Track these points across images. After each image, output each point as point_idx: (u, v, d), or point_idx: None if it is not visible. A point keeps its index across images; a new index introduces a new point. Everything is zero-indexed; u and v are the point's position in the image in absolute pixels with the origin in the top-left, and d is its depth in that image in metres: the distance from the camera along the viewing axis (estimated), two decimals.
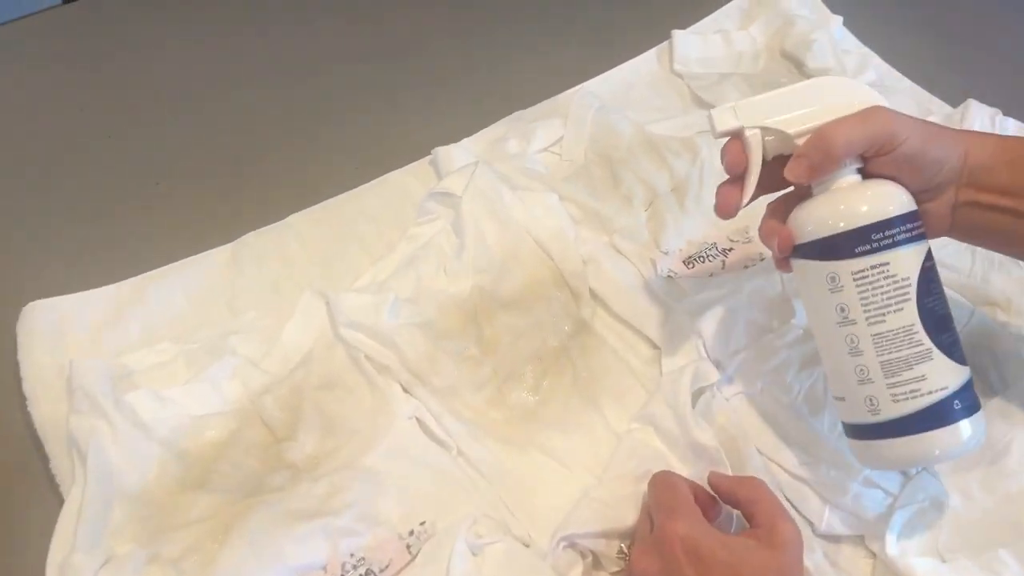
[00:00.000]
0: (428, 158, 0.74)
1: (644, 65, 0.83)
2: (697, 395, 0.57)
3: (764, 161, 0.49)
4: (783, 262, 0.51)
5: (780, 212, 0.51)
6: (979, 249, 0.65)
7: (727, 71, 0.81)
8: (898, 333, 0.46)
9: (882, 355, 0.46)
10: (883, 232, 0.46)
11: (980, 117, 0.72)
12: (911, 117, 0.49)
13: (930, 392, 0.46)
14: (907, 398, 0.46)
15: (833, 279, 0.47)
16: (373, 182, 0.73)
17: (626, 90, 0.80)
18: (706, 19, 0.86)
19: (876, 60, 0.82)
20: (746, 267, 0.66)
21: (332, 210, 0.70)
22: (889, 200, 0.47)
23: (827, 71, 0.78)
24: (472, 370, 0.59)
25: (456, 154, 0.72)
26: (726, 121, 0.49)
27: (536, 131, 0.75)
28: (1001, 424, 0.56)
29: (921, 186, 0.49)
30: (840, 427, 0.53)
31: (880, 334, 0.46)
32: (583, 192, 0.70)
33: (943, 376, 0.46)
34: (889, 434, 0.47)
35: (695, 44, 0.82)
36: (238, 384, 0.58)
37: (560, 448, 0.57)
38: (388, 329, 0.59)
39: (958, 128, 0.48)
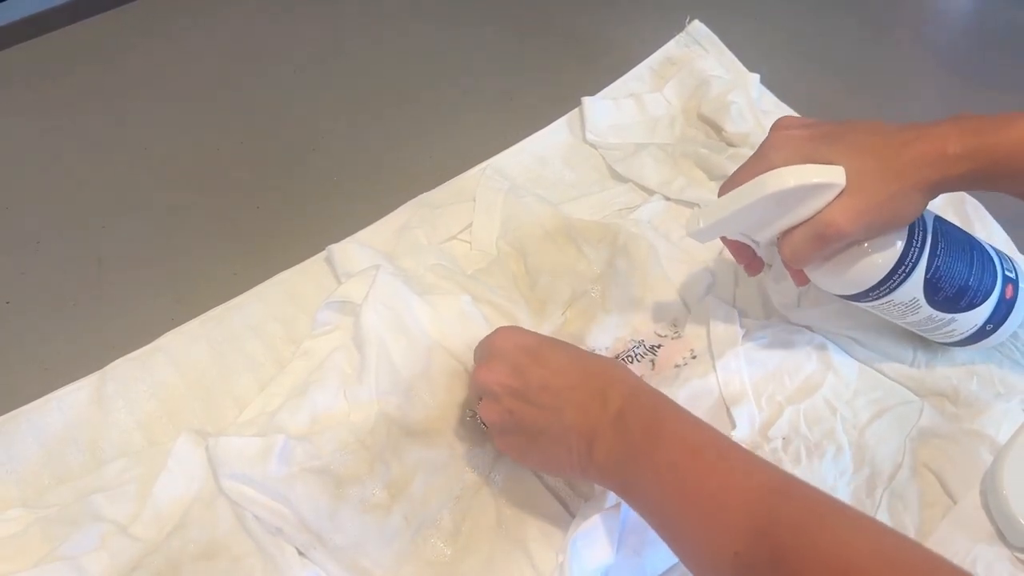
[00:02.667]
0: (322, 255, 0.66)
1: (555, 136, 0.76)
2: None
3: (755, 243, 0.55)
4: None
5: None
6: (919, 336, 0.60)
7: (642, 140, 0.75)
8: (921, 321, 0.55)
9: (917, 329, 0.56)
10: (876, 291, 0.51)
11: None
12: (861, 191, 0.47)
13: (963, 332, 0.55)
14: (951, 338, 0.56)
15: (854, 304, 0.55)
16: (258, 287, 0.64)
17: (538, 165, 0.74)
18: (616, 82, 0.80)
19: None
20: (677, 366, 0.60)
21: (211, 325, 0.62)
22: (870, 271, 0.50)
23: (747, 135, 0.73)
24: (380, 520, 0.51)
25: (354, 251, 0.64)
26: (706, 239, 0.54)
27: (442, 218, 0.68)
28: (962, 540, 0.51)
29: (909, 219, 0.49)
30: None
31: (908, 323, 0.55)
32: (498, 292, 0.63)
33: (968, 322, 0.55)
34: (966, 344, 0.57)
35: (607, 111, 0.77)
36: (104, 557, 0.49)
37: None
38: (279, 480, 0.51)
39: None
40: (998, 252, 0.56)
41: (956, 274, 0.52)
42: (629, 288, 0.63)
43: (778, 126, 0.52)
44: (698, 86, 0.78)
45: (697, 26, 0.84)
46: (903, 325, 0.56)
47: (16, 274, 0.66)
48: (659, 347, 0.61)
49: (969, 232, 0.55)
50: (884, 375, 0.59)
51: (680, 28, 0.84)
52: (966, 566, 0.50)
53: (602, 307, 0.62)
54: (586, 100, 0.77)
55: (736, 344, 0.58)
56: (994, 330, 0.55)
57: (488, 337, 0.52)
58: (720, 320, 0.60)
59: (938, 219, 0.53)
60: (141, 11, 0.90)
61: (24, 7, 0.88)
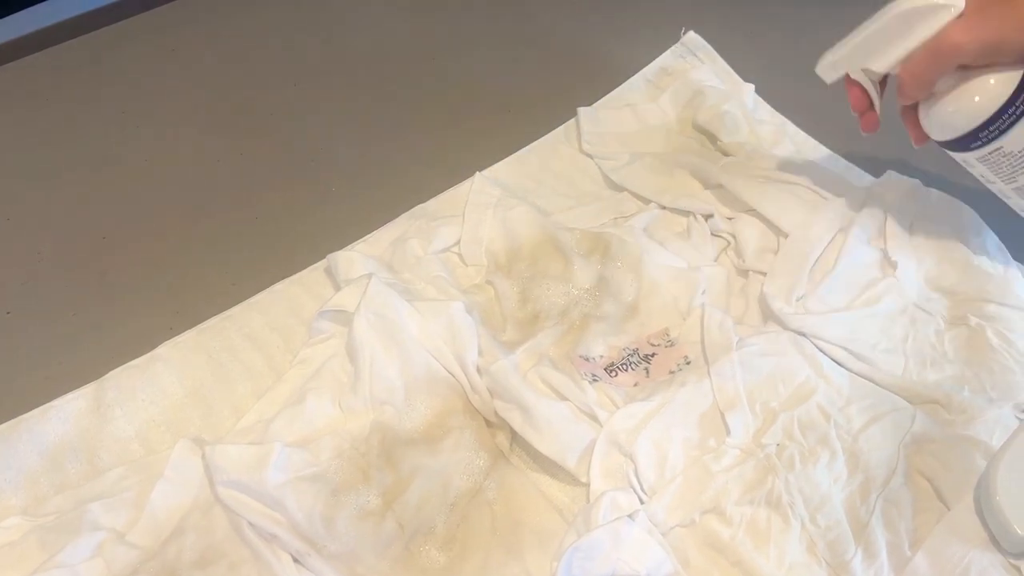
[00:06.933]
0: (319, 264, 0.67)
1: (552, 145, 0.77)
2: None
3: (875, 86, 0.58)
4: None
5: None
6: (909, 347, 0.61)
7: (638, 149, 0.76)
8: None
9: None
10: (987, 130, 0.52)
11: (899, 188, 0.69)
12: (979, 15, 0.50)
13: None
14: None
15: (964, 162, 0.56)
16: (256, 297, 0.65)
17: (535, 174, 0.75)
18: (612, 92, 0.81)
19: (792, 128, 0.79)
20: (671, 372, 0.60)
21: (209, 334, 0.62)
22: (982, 103, 0.52)
23: (741, 145, 0.74)
24: (375, 527, 0.51)
25: (356, 259, 0.65)
26: (831, 75, 0.59)
27: (438, 230, 0.68)
28: (956, 545, 0.51)
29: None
30: (787, 564, 0.51)
31: (1018, 187, 0.55)
32: (488, 305, 0.63)
33: None
34: None
35: (603, 121, 0.77)
36: (100, 565, 0.50)
37: None
38: (275, 487, 0.51)
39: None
40: None
41: None
42: (621, 297, 0.63)
43: None
44: (693, 96, 0.79)
45: (692, 37, 0.85)
46: (1013, 193, 0.56)
47: (17, 284, 0.66)
48: (653, 355, 0.61)
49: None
50: (876, 384, 0.59)
51: (675, 39, 0.85)
52: (960, 572, 0.51)
53: (595, 316, 0.62)
54: (582, 110, 0.78)
55: (730, 351, 0.59)
56: None
57: None
58: (714, 327, 0.60)
59: None
60: (140, 26, 0.92)
61: (25, 23, 0.89)
